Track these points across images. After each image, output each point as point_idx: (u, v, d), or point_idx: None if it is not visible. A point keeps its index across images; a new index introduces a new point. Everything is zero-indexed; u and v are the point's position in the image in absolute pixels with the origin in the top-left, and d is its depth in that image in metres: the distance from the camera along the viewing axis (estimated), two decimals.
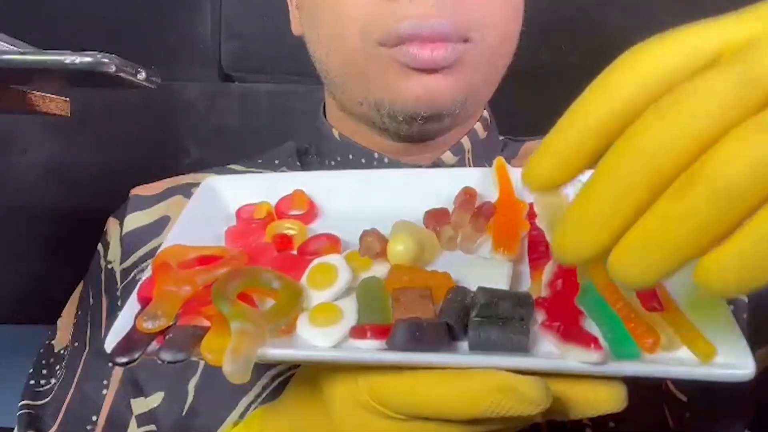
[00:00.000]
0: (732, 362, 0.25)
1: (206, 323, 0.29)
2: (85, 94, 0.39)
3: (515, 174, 0.37)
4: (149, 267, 0.32)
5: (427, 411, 0.26)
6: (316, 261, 0.32)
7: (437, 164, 0.49)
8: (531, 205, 0.35)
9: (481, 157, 0.50)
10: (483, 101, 0.51)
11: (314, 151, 0.55)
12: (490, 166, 0.38)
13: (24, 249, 0.90)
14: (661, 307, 0.28)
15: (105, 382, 0.47)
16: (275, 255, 0.34)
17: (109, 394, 0.47)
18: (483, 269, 0.31)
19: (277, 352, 0.28)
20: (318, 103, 0.55)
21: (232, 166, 0.55)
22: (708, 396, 0.43)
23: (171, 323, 0.29)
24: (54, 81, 0.34)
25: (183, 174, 0.55)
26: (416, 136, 0.47)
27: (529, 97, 0.80)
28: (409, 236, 0.32)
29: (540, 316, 0.28)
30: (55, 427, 0.47)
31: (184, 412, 0.43)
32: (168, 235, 0.35)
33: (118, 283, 0.49)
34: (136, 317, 0.29)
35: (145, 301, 0.30)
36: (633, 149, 0.19)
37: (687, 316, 0.27)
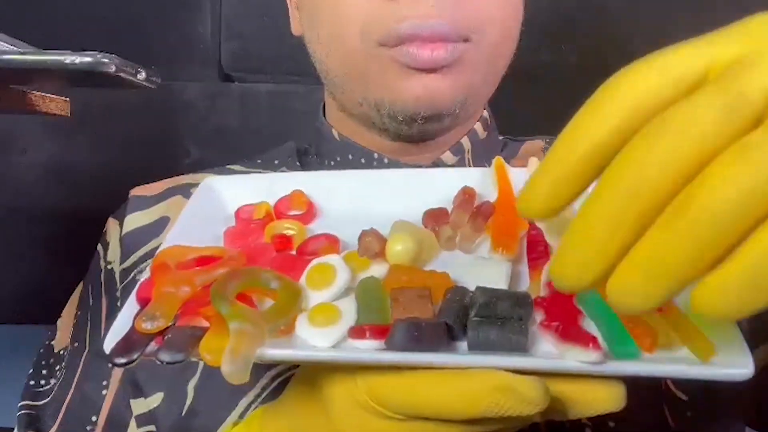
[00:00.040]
0: (731, 361, 0.25)
1: (205, 324, 0.29)
2: (85, 94, 0.39)
3: (514, 174, 0.37)
4: (148, 267, 0.32)
5: (426, 411, 0.26)
6: (314, 261, 0.32)
7: (437, 164, 0.49)
8: None
9: (481, 157, 0.50)
10: (483, 101, 0.51)
11: (314, 151, 0.55)
12: (489, 166, 0.38)
13: (24, 249, 0.90)
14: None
15: (105, 382, 0.47)
16: (274, 255, 0.34)
17: (109, 395, 0.47)
18: (482, 269, 0.31)
19: (276, 352, 0.28)
20: (318, 103, 0.55)
21: (232, 167, 0.56)
22: (709, 395, 0.43)
23: (170, 324, 0.29)
24: (54, 81, 0.34)
25: (183, 174, 0.55)
26: (416, 136, 0.47)
27: (529, 97, 0.80)
28: (407, 236, 0.32)
29: (539, 316, 0.28)
30: (54, 428, 0.47)
31: (183, 413, 0.43)
32: (167, 235, 0.35)
33: (118, 283, 0.49)
34: (134, 318, 0.29)
35: (144, 302, 0.30)
36: (623, 178, 0.19)
37: (686, 315, 0.27)
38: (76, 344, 0.50)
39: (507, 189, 0.36)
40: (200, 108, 0.89)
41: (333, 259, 0.32)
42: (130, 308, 0.30)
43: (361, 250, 0.33)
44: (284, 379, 0.42)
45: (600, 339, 0.26)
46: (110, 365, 0.27)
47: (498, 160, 0.37)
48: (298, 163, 0.55)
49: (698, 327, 0.27)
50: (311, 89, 0.84)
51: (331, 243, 0.34)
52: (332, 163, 0.52)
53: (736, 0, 0.82)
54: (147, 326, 0.28)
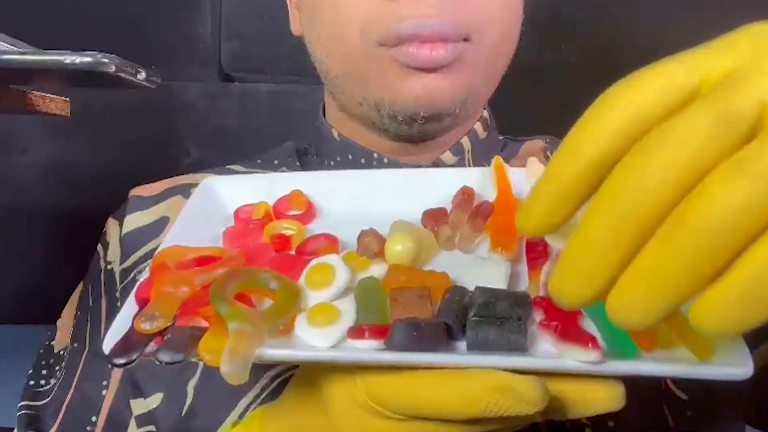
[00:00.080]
0: (730, 361, 0.25)
1: (204, 324, 0.29)
2: (85, 94, 0.39)
3: (513, 173, 0.37)
4: (148, 268, 0.32)
5: (426, 411, 0.26)
6: (314, 261, 0.32)
7: (437, 164, 0.49)
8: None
9: (481, 157, 0.50)
10: (483, 101, 0.51)
11: (314, 151, 0.55)
12: (489, 166, 0.38)
13: (24, 249, 0.90)
14: None
15: (105, 382, 0.47)
16: (273, 255, 0.34)
17: (109, 395, 0.47)
18: (481, 269, 0.31)
19: (275, 352, 0.28)
20: (318, 103, 0.55)
21: (232, 167, 0.56)
22: (709, 394, 0.43)
23: (169, 324, 0.29)
24: (54, 81, 0.34)
25: (183, 174, 0.55)
26: (416, 136, 0.47)
27: (529, 97, 0.80)
28: (407, 236, 0.32)
29: (538, 316, 0.28)
30: (54, 428, 0.47)
31: (183, 413, 0.43)
32: (166, 236, 0.35)
33: (118, 283, 0.49)
34: (134, 318, 0.29)
35: (143, 302, 0.30)
36: (619, 194, 0.20)
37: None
38: (75, 344, 0.50)
39: (506, 189, 0.36)
40: (200, 108, 0.89)
41: (332, 259, 0.32)
42: (129, 308, 0.30)
43: (360, 250, 0.33)
44: (284, 380, 0.42)
45: (599, 338, 0.26)
46: (109, 366, 0.27)
47: (497, 160, 0.37)
48: (298, 163, 0.55)
49: None
50: (311, 89, 0.84)
51: (331, 243, 0.34)
52: (332, 163, 0.52)
53: (733, 1, 0.82)
54: (146, 326, 0.28)
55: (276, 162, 0.56)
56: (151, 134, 0.89)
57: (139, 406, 0.45)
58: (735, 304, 0.19)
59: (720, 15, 0.81)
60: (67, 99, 0.37)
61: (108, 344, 0.28)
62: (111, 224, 0.52)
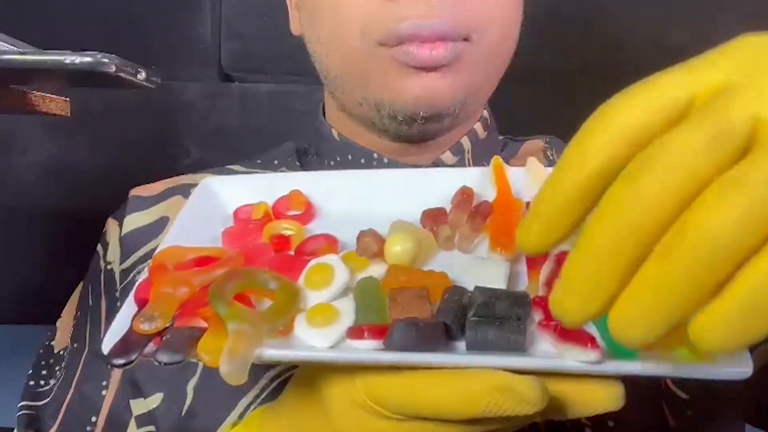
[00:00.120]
0: (730, 361, 0.25)
1: (203, 324, 0.29)
2: (85, 94, 0.39)
3: (513, 173, 0.37)
4: (147, 268, 0.32)
5: (425, 411, 0.26)
6: (313, 261, 0.32)
7: (437, 164, 0.49)
8: (528, 205, 0.35)
9: (481, 157, 0.50)
10: (483, 101, 0.51)
11: (314, 151, 0.55)
12: (489, 166, 0.38)
13: (24, 249, 0.90)
14: None
15: (104, 382, 0.47)
16: (272, 255, 0.34)
17: (109, 395, 0.47)
18: (480, 269, 0.31)
19: (274, 352, 0.28)
20: (318, 103, 0.55)
21: (232, 167, 0.56)
22: (709, 394, 0.43)
23: (168, 325, 0.29)
24: (54, 81, 0.34)
25: (183, 174, 0.55)
26: (416, 136, 0.47)
27: (529, 97, 0.80)
28: (406, 236, 0.32)
29: (537, 316, 0.28)
30: (54, 428, 0.47)
31: (183, 413, 0.43)
32: (165, 236, 0.35)
33: (118, 283, 0.49)
34: (133, 319, 0.29)
35: (142, 303, 0.30)
36: (616, 212, 0.20)
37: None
38: (75, 344, 0.50)
39: (505, 189, 0.36)
40: (200, 108, 0.89)
41: (331, 259, 0.32)
42: (128, 309, 0.30)
43: (359, 251, 0.33)
44: (283, 380, 0.42)
45: (598, 338, 0.26)
46: (108, 366, 0.27)
47: (496, 159, 0.37)
48: (297, 163, 0.55)
49: None
50: (311, 89, 0.84)
51: (330, 243, 0.34)
52: (332, 163, 0.52)
53: (732, 1, 0.82)
54: (145, 327, 0.28)
55: (276, 162, 0.56)
56: (151, 134, 0.89)
57: (139, 406, 0.45)
58: (736, 318, 0.19)
59: (719, 15, 0.81)
60: (67, 99, 0.37)
61: (107, 345, 0.28)
62: (111, 224, 0.52)
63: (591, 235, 0.20)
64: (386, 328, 0.28)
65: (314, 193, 0.38)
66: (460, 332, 0.28)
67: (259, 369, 0.42)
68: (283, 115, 0.88)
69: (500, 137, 0.55)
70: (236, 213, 0.38)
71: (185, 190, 0.51)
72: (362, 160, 0.50)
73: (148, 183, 0.54)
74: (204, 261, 0.32)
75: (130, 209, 0.51)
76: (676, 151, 0.19)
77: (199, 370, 0.44)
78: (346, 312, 0.30)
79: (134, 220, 0.51)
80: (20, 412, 0.48)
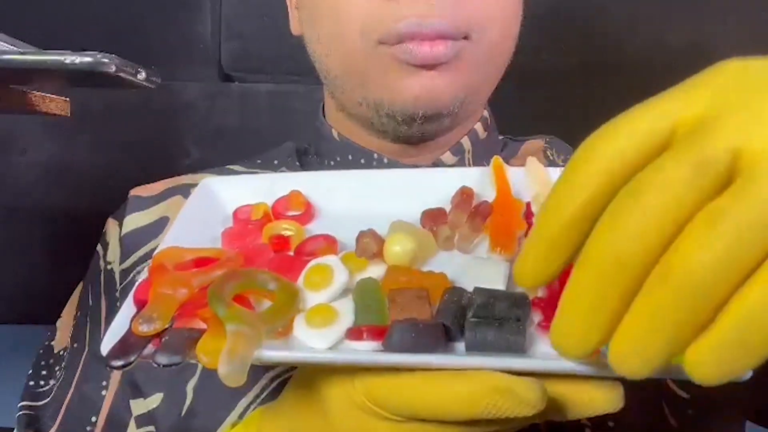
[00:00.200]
0: None
1: (202, 326, 0.29)
2: (85, 94, 0.39)
3: (512, 173, 0.37)
4: (146, 268, 0.32)
5: (424, 412, 0.26)
6: (312, 262, 0.32)
7: (437, 165, 0.49)
8: (528, 205, 0.35)
9: (481, 157, 0.50)
10: (482, 100, 0.51)
11: (314, 151, 0.55)
12: (489, 166, 0.38)
13: (24, 249, 0.90)
14: None
15: (104, 383, 0.47)
16: (272, 256, 0.34)
17: (109, 395, 0.47)
18: (480, 269, 0.31)
19: (273, 354, 0.28)
20: (318, 103, 0.55)
21: (232, 167, 0.56)
22: (709, 393, 0.43)
23: (167, 326, 0.29)
24: (54, 81, 0.34)
25: (183, 174, 0.55)
26: (416, 136, 0.47)
27: (529, 97, 0.80)
28: (405, 237, 0.32)
29: (537, 317, 0.28)
30: (54, 428, 0.47)
31: (182, 413, 0.43)
32: (165, 236, 0.35)
33: (117, 284, 0.49)
34: (131, 320, 0.29)
35: (141, 304, 0.30)
36: (602, 251, 0.20)
37: None
38: (75, 345, 0.50)
39: (505, 189, 0.36)
40: (200, 108, 0.89)
41: (331, 260, 0.32)
42: (127, 310, 0.30)
43: (358, 251, 0.33)
44: (283, 380, 0.42)
45: None
46: (107, 368, 0.27)
47: (496, 159, 0.37)
48: (297, 163, 0.55)
49: None
50: (311, 89, 0.85)
51: (329, 244, 0.34)
52: (332, 163, 0.52)
53: (732, 1, 0.82)
54: (144, 328, 0.28)
55: (276, 162, 0.56)
56: (151, 134, 0.89)
57: (139, 406, 0.45)
58: (725, 352, 0.19)
59: (719, 15, 0.81)
60: (67, 99, 0.37)
61: (106, 346, 0.28)
62: (111, 224, 0.52)
63: (582, 272, 0.21)
64: (385, 329, 0.28)
65: (314, 194, 0.38)
66: (460, 333, 0.28)
67: (258, 369, 0.42)
68: (283, 115, 0.88)
69: (500, 137, 0.55)
70: (236, 213, 0.38)
71: (185, 190, 0.51)
72: (362, 160, 0.50)
73: (148, 183, 0.54)
74: (203, 262, 0.32)
75: (130, 209, 0.51)
76: (659, 186, 0.19)
77: (198, 371, 0.44)
78: (346, 313, 0.29)
79: (134, 220, 0.51)
80: (20, 412, 0.48)
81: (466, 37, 0.43)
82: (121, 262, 0.50)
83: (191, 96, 0.88)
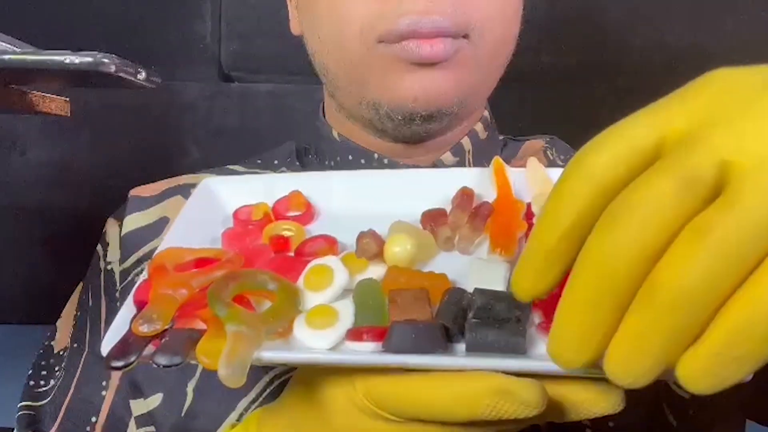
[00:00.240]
0: None
1: (202, 326, 0.29)
2: (85, 94, 0.39)
3: (513, 174, 0.37)
4: (146, 269, 0.32)
5: (424, 413, 0.26)
6: (312, 263, 0.32)
7: (437, 165, 0.49)
8: (528, 205, 0.35)
9: (482, 157, 0.50)
10: (482, 100, 0.51)
11: (314, 151, 0.55)
12: (489, 166, 0.38)
13: (24, 249, 0.90)
14: None
15: (104, 383, 0.47)
16: (272, 257, 0.34)
17: (109, 396, 0.47)
18: (480, 270, 0.31)
19: (273, 355, 0.28)
20: (318, 103, 0.55)
21: (232, 167, 0.55)
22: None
23: (167, 326, 0.29)
24: (54, 81, 0.34)
25: (183, 174, 0.54)
26: (415, 136, 0.47)
27: (529, 97, 0.80)
28: (406, 237, 0.32)
29: (537, 318, 0.28)
30: (54, 428, 0.47)
31: (183, 414, 0.43)
32: (165, 237, 0.35)
33: (117, 284, 0.49)
34: (131, 320, 0.29)
35: (141, 304, 0.30)
36: (590, 268, 0.20)
37: None
38: (75, 345, 0.50)
39: (505, 189, 0.35)
40: (200, 108, 0.89)
41: (331, 260, 0.32)
42: (127, 311, 0.30)
43: (358, 252, 0.33)
44: (283, 381, 0.42)
45: None
46: (107, 369, 0.27)
47: (497, 160, 0.37)
48: (297, 164, 0.55)
49: None
50: (311, 89, 0.84)
51: (330, 244, 0.34)
52: (332, 163, 0.52)
53: (732, 1, 0.82)
54: (144, 329, 0.28)
55: (276, 162, 0.56)
56: (151, 134, 0.89)
57: (139, 406, 0.45)
58: (715, 365, 0.20)
59: (719, 15, 0.81)
60: (67, 99, 0.37)
61: (106, 346, 0.28)
62: (111, 224, 0.52)
63: (573, 287, 0.21)
64: (385, 330, 0.28)
65: (314, 194, 0.38)
66: (460, 334, 0.28)
67: (258, 370, 0.42)
68: (283, 115, 0.88)
69: (500, 137, 0.55)
70: (236, 214, 0.38)
71: (185, 190, 0.51)
72: (362, 161, 0.50)
73: (148, 183, 0.54)
74: (203, 262, 0.32)
75: (130, 209, 0.51)
76: (646, 201, 0.20)
77: (198, 371, 0.44)
78: (346, 314, 0.29)
79: (134, 220, 0.51)
80: (20, 413, 0.48)
81: (465, 36, 0.43)
82: (121, 262, 0.49)
83: (191, 96, 0.88)
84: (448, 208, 0.36)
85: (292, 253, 0.35)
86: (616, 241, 0.20)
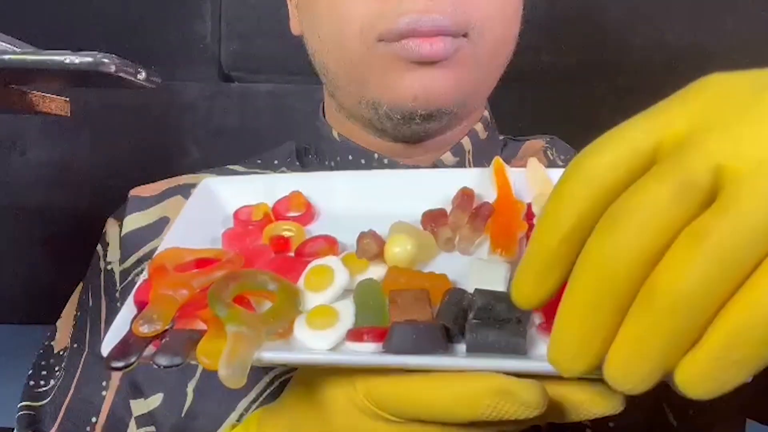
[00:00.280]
0: None
1: (203, 327, 0.29)
2: (85, 94, 0.39)
3: (513, 174, 0.37)
4: (146, 270, 0.32)
5: (424, 414, 0.26)
6: (313, 263, 0.32)
7: (437, 165, 0.49)
8: (529, 206, 0.35)
9: (482, 157, 0.50)
10: (482, 99, 0.51)
11: (314, 151, 0.55)
12: (490, 166, 0.38)
13: (24, 249, 0.90)
14: None
15: (104, 383, 0.47)
16: (272, 257, 0.34)
17: (109, 396, 0.47)
18: (480, 270, 0.31)
19: (273, 355, 0.28)
20: (318, 103, 0.55)
21: (232, 167, 0.55)
22: None
23: (167, 327, 0.29)
24: (54, 81, 0.34)
25: (183, 174, 0.54)
26: (415, 135, 0.47)
27: (529, 97, 0.80)
28: (406, 238, 0.32)
29: (537, 318, 0.28)
30: (54, 428, 0.47)
31: (183, 414, 0.43)
32: (165, 237, 0.35)
33: (117, 284, 0.49)
34: (132, 321, 0.29)
35: (141, 305, 0.30)
36: (590, 273, 0.21)
37: None
38: (75, 345, 0.50)
39: (506, 190, 0.35)
40: (200, 108, 0.89)
41: (331, 261, 0.32)
42: (127, 311, 0.30)
43: (359, 252, 0.33)
44: (283, 381, 0.42)
45: None
46: (107, 369, 0.27)
47: (497, 161, 0.37)
48: (297, 164, 0.55)
49: None
50: (311, 89, 0.84)
51: (330, 245, 0.34)
52: (332, 163, 0.52)
53: (732, 1, 0.82)
54: (144, 329, 0.28)
55: (276, 162, 0.56)
56: (151, 134, 0.89)
57: (139, 406, 0.45)
58: (713, 370, 0.20)
59: (719, 15, 0.81)
60: (67, 99, 0.37)
61: (106, 347, 0.28)
62: (111, 224, 0.52)
63: (573, 289, 0.21)
64: (386, 331, 0.28)
65: (314, 195, 0.38)
66: (460, 335, 0.28)
67: (259, 370, 0.42)
68: (283, 115, 0.88)
69: (500, 137, 0.55)
70: (236, 214, 0.38)
71: (185, 190, 0.51)
72: (362, 161, 0.50)
73: (148, 183, 0.53)
74: (204, 262, 0.32)
75: (130, 209, 0.51)
76: (643, 206, 0.20)
77: (199, 371, 0.44)
78: (346, 314, 0.29)
79: (134, 221, 0.51)
80: (20, 413, 0.48)
81: (465, 36, 0.43)
82: (121, 262, 0.49)
83: (191, 96, 0.88)
84: (449, 209, 0.36)
85: (292, 254, 0.35)
86: (616, 243, 0.20)
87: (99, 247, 0.52)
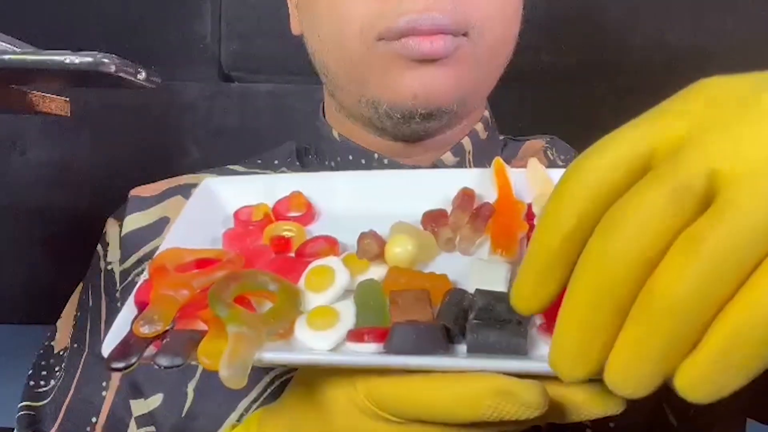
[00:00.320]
0: None
1: (203, 327, 0.29)
2: (85, 94, 0.39)
3: (514, 174, 0.37)
4: (146, 270, 0.32)
5: (425, 414, 0.26)
6: (313, 263, 0.32)
7: (437, 165, 0.49)
8: (529, 206, 0.35)
9: (482, 157, 0.50)
10: (481, 99, 0.51)
11: (314, 151, 0.55)
12: (490, 166, 0.38)
13: (24, 249, 0.90)
14: None
15: (104, 383, 0.47)
16: (273, 257, 0.34)
17: (109, 396, 0.47)
18: (481, 271, 0.31)
19: (274, 355, 0.28)
20: (318, 103, 0.55)
21: (232, 167, 0.55)
22: None
23: (168, 327, 0.29)
24: (54, 81, 0.34)
25: (183, 174, 0.54)
26: (415, 135, 0.47)
27: (529, 97, 0.80)
28: (407, 238, 0.32)
29: (538, 319, 0.28)
30: (54, 429, 0.47)
31: (183, 414, 0.43)
32: (165, 237, 0.35)
33: (118, 284, 0.49)
34: (132, 321, 0.29)
35: (142, 305, 0.30)
36: (588, 278, 0.21)
37: None
38: (75, 345, 0.50)
39: (506, 190, 0.35)
40: (200, 108, 0.89)
41: (332, 261, 0.32)
42: (128, 311, 0.30)
43: (359, 252, 0.33)
44: (284, 381, 0.42)
45: None
46: (108, 370, 0.27)
47: (497, 161, 0.37)
48: (298, 164, 0.55)
49: None
50: (311, 89, 0.84)
51: (330, 245, 0.34)
52: (332, 163, 0.52)
53: (732, 1, 0.82)
54: (145, 330, 0.28)
55: (276, 162, 0.56)
56: (151, 134, 0.89)
57: (140, 406, 0.45)
58: (712, 374, 0.20)
59: (719, 15, 0.81)
60: (67, 99, 0.37)
61: (107, 348, 0.28)
62: (111, 224, 0.52)
63: (574, 290, 0.21)
64: (386, 331, 0.28)
65: (315, 195, 0.38)
66: (461, 335, 0.28)
67: (259, 370, 0.42)
68: (283, 115, 0.88)
69: (500, 137, 0.55)
70: (236, 214, 0.38)
71: (185, 190, 0.51)
72: (362, 161, 0.50)
73: (148, 183, 0.53)
74: (204, 263, 0.32)
75: (130, 209, 0.51)
76: (638, 211, 0.20)
77: (199, 371, 0.44)
78: (347, 314, 0.29)
79: (134, 221, 0.50)
80: (20, 413, 0.48)
81: (465, 35, 0.43)
82: (122, 262, 0.49)
83: (191, 96, 0.88)
84: (449, 209, 0.36)
85: (292, 254, 0.35)
86: (615, 245, 0.20)
87: (99, 247, 0.52)
